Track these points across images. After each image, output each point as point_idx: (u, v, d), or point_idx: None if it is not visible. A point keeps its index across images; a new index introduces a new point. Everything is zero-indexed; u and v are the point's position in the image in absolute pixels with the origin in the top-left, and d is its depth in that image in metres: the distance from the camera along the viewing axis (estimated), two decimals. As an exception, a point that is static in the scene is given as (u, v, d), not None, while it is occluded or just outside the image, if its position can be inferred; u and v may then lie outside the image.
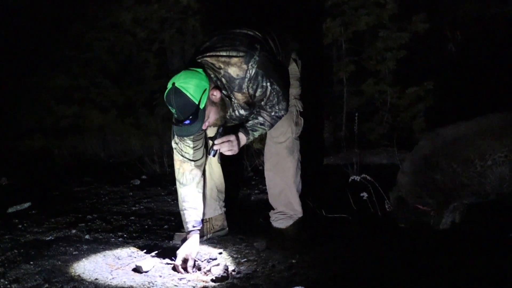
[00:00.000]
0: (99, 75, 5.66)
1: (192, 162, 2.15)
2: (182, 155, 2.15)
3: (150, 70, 5.58)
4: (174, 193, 3.28)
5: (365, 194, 2.63)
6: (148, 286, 1.81)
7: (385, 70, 4.20)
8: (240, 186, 3.38)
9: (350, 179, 2.53)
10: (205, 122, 1.95)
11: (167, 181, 3.67)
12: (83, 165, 4.77)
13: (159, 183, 3.66)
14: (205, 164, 2.31)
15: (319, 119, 4.27)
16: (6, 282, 1.83)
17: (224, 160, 2.43)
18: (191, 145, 2.14)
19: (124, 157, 5.03)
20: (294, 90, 2.35)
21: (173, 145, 2.17)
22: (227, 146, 2.03)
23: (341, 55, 4.35)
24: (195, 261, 2.02)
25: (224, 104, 2.03)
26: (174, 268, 1.99)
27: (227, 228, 2.47)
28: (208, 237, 2.38)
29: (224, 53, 2.00)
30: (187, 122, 1.87)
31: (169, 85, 1.87)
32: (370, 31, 4.29)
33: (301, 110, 2.38)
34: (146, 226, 2.62)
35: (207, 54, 2.03)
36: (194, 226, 2.12)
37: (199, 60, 2.02)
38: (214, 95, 1.95)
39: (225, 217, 2.48)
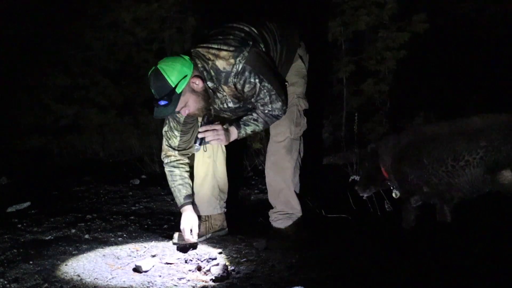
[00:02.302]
0: (99, 74, 5.66)
1: (176, 152, 2.29)
2: (168, 143, 2.28)
3: (149, 70, 5.56)
4: (173, 193, 3.28)
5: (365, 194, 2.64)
6: (148, 286, 1.80)
7: (385, 70, 4.19)
8: (240, 186, 3.38)
9: (350, 179, 2.53)
10: (185, 109, 2.03)
11: (167, 181, 3.66)
12: (82, 164, 4.77)
13: (158, 182, 3.65)
14: (210, 159, 2.38)
15: (319, 119, 4.27)
16: (6, 282, 1.83)
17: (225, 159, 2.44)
18: (178, 137, 2.26)
19: (123, 156, 5.02)
20: (299, 89, 2.33)
21: (163, 132, 2.30)
22: (211, 135, 2.06)
23: (341, 55, 4.34)
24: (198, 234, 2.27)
25: (207, 95, 2.07)
26: (179, 249, 2.21)
27: (227, 229, 2.47)
28: (208, 237, 2.38)
29: (215, 46, 2.03)
30: (162, 103, 1.95)
31: (154, 67, 1.98)
32: (370, 31, 4.28)
33: (306, 108, 2.37)
34: (146, 226, 2.62)
35: (201, 45, 2.08)
36: (185, 199, 2.28)
37: (192, 50, 2.08)
38: (196, 84, 2.00)
39: (225, 218, 2.47)
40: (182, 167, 2.31)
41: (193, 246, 2.25)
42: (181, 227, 2.23)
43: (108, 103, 5.66)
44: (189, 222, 2.24)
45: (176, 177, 2.30)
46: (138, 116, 5.55)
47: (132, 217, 2.76)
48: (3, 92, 5.62)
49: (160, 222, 2.69)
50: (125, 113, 5.62)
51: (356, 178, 2.46)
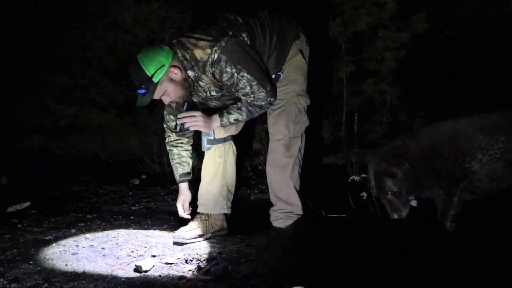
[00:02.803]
0: (99, 74, 5.65)
1: (174, 133, 2.38)
2: (167, 125, 2.39)
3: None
4: (173, 193, 3.28)
5: (365, 194, 2.64)
6: (148, 286, 1.80)
7: (385, 70, 4.19)
8: (240, 186, 3.38)
9: (350, 179, 2.53)
10: (165, 97, 2.09)
11: (167, 181, 3.67)
12: (82, 164, 4.77)
13: (158, 182, 3.66)
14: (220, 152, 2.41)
15: (319, 119, 4.27)
16: (6, 282, 1.83)
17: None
18: (174, 121, 2.32)
19: (123, 156, 5.02)
20: (298, 87, 2.32)
21: (164, 114, 2.40)
22: (189, 121, 2.12)
23: (341, 55, 4.34)
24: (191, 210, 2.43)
25: (187, 84, 2.11)
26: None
27: (227, 229, 2.46)
28: (208, 237, 2.38)
29: (196, 35, 2.06)
30: (140, 91, 2.01)
31: (134, 57, 2.04)
32: (370, 31, 4.28)
33: (308, 104, 2.36)
34: (146, 226, 2.62)
35: (184, 34, 2.12)
36: (180, 177, 2.41)
37: (175, 40, 2.12)
38: (175, 73, 2.04)
39: (225, 218, 2.47)
40: (180, 147, 2.41)
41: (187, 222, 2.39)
42: (177, 204, 2.41)
43: (108, 103, 5.65)
44: (181, 200, 2.40)
45: (174, 156, 2.42)
46: (138, 116, 5.54)
47: (132, 217, 2.76)
48: (3, 92, 5.61)
49: (160, 222, 2.69)
50: (125, 113, 5.61)
51: (356, 178, 2.45)
